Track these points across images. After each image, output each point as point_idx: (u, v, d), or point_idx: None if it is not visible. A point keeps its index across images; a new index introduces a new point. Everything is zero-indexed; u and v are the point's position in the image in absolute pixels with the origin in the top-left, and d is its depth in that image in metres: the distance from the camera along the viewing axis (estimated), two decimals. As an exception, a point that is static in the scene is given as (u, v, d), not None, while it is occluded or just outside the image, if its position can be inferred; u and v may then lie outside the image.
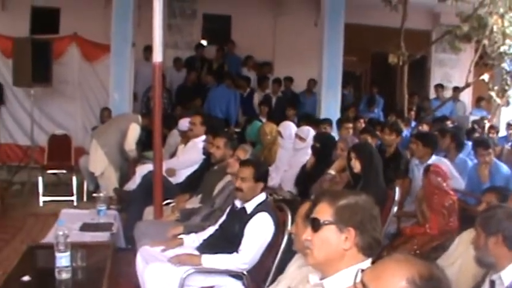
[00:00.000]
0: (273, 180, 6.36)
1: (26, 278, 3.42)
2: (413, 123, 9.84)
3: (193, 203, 5.24)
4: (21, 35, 8.86)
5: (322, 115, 9.29)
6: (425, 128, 8.72)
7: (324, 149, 5.86)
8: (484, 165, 5.69)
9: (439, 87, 11.99)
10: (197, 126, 6.61)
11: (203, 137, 6.40)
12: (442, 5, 9.48)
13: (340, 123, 7.69)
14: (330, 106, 9.50)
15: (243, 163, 4.13)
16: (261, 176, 3.93)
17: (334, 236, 2.09)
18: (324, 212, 2.12)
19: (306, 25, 11.64)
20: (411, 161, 6.07)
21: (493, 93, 9.52)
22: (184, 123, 7.11)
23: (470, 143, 7.14)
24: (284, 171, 6.43)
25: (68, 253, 3.43)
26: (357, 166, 4.73)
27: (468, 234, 3.64)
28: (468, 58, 10.59)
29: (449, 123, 8.96)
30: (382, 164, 4.88)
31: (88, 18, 10.21)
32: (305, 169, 5.96)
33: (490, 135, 8.94)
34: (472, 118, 10.40)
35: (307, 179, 5.75)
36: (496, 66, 9.59)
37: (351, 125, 7.36)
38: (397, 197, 4.53)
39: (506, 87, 9.53)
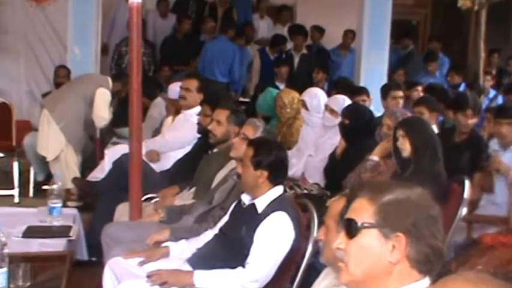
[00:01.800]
0: (294, 168, 6.36)
1: None
2: (491, 93, 9.83)
3: (184, 198, 5.28)
4: None
5: (363, 81, 9.32)
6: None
7: (356, 127, 5.87)
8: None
9: None
10: (192, 93, 6.66)
11: (198, 109, 6.44)
12: None
13: (386, 90, 7.66)
14: (375, 68, 9.50)
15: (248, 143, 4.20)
16: (266, 161, 3.93)
17: (376, 244, 2.09)
18: (363, 211, 2.12)
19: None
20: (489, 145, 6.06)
21: None
22: (174, 88, 7.16)
23: None
24: (309, 157, 6.44)
25: (5, 269, 3.45)
26: (406, 148, 4.76)
27: None
28: None
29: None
30: (452, 152, 4.91)
31: None
32: (334, 156, 5.99)
33: None
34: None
35: (338, 167, 5.77)
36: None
37: (400, 93, 7.28)
38: (466, 193, 4.56)
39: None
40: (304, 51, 10.94)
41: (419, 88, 8.40)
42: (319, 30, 11.43)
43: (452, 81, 9.79)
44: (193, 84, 6.72)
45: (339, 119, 6.19)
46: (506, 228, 4.99)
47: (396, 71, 10.32)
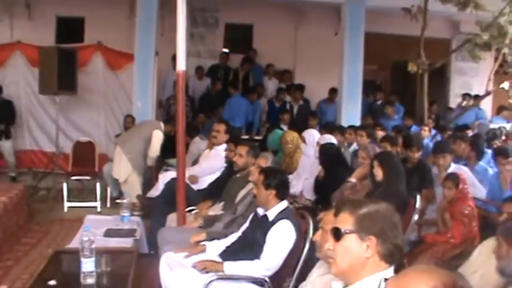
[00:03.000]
0: (294, 188, 6.35)
1: (52, 282, 3.46)
2: (433, 132, 9.78)
3: (216, 210, 5.26)
4: (46, 44, 8.99)
5: (343, 124, 9.27)
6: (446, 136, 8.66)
7: (328, 160, 5.88)
8: (505, 174, 5.64)
9: (467, 96, 11.74)
10: (221, 134, 6.66)
11: (225, 145, 6.44)
12: (462, 14, 9.38)
13: (355, 131, 7.67)
14: (351, 115, 9.51)
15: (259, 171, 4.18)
16: (273, 183, 3.90)
17: (355, 245, 2.10)
18: (345, 221, 2.13)
19: (327, 34, 11.63)
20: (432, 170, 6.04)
21: None
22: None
23: (490, 151, 7.10)
24: (305, 179, 6.42)
25: (93, 258, 3.47)
26: (379, 174, 4.75)
27: (489, 243, 3.62)
28: (488, 67, 10.53)
29: (469, 132, 8.90)
30: (406, 175, 4.89)
31: (112, 28, 10.35)
32: (318, 179, 5.98)
33: (510, 142, 8.83)
34: (493, 126, 10.28)
35: (323, 188, 5.76)
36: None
37: (363, 132, 7.28)
38: (418, 204, 4.54)
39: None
40: (301, 102, 10.96)
41: (379, 128, 8.40)
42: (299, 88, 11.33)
43: (406, 124, 9.79)
44: (222, 127, 6.72)
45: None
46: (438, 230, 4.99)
47: (366, 117, 10.36)
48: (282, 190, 3.97)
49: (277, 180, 3.93)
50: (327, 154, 5.93)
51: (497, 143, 7.91)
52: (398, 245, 2.12)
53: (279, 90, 11.04)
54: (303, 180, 6.45)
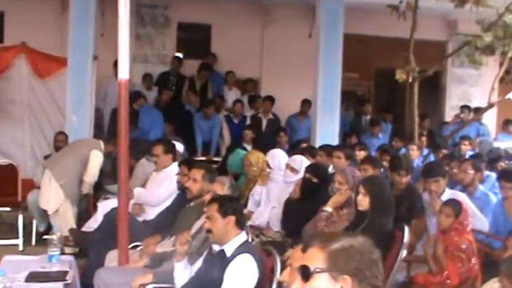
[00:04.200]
0: (260, 218, 6.40)
1: None
2: (425, 151, 9.94)
3: (166, 246, 5.23)
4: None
5: (318, 141, 9.37)
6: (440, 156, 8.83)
7: (320, 183, 5.94)
8: (510, 201, 5.74)
9: (466, 108, 12.00)
10: (161, 156, 6.73)
11: (174, 166, 6.48)
12: (460, 12, 9.46)
13: (329, 151, 7.70)
14: (327, 131, 9.58)
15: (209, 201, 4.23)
16: (231, 209, 3.99)
17: (327, 286, 2.11)
18: (315, 258, 2.15)
19: (299, 36, 11.78)
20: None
21: None
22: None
23: (493, 174, 7.27)
24: (273, 208, 6.46)
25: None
26: (364, 203, 4.79)
27: (493, 285, 3.67)
28: (491, 73, 10.74)
29: (465, 149, 9.11)
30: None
31: (40, 26, 10.28)
32: (289, 204, 6.01)
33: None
34: (497, 144, 10.48)
35: (295, 216, 5.81)
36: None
37: (340, 154, 7.34)
38: (406, 238, 4.60)
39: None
40: (271, 116, 11.05)
41: (359, 148, 8.53)
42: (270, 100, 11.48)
43: (396, 146, 9.98)
44: (159, 149, 6.75)
45: (298, 176, 6.25)
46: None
47: (350, 135, 10.49)
48: (241, 216, 4.07)
49: (234, 206, 4.04)
50: (322, 177, 5.99)
51: (502, 165, 8.04)
52: (378, 287, 2.14)
53: (236, 103, 11.19)
54: (270, 210, 6.49)
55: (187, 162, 6.21)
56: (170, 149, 6.86)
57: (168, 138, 9.08)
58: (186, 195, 5.55)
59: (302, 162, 6.52)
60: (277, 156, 6.90)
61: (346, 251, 2.13)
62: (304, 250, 2.24)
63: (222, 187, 4.84)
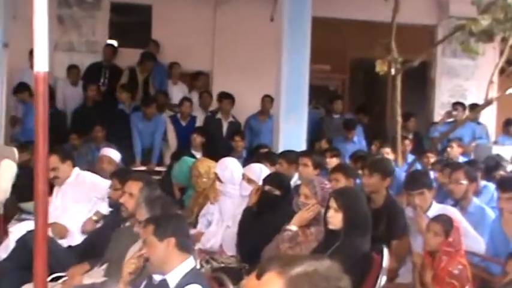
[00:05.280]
0: (211, 240, 6.39)
1: None
2: (410, 158, 10.05)
3: (95, 276, 5.19)
4: None
5: (282, 146, 9.40)
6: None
7: (283, 196, 5.97)
8: (508, 216, 5.80)
9: (459, 106, 12.16)
10: (60, 168, 6.72)
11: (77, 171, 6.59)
12: (451, -10, 9.64)
13: (294, 158, 7.71)
14: (292, 134, 9.61)
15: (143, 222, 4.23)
16: (170, 230, 3.98)
17: (286, 319, 2.13)
18: (272, 284, 2.16)
19: (259, 19, 11.77)
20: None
21: None
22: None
23: (491, 185, 7.36)
24: (227, 228, 6.47)
25: None
26: (335, 221, 4.81)
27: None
28: (490, 64, 10.83)
29: (454, 152, 9.26)
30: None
31: None
32: (245, 222, 6.04)
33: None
34: (497, 149, 10.56)
35: (252, 236, 5.83)
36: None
37: (307, 161, 7.39)
38: (385, 262, 4.65)
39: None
40: (231, 118, 11.08)
41: (329, 154, 8.59)
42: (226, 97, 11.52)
43: (375, 152, 10.08)
44: (55, 160, 6.70)
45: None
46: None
47: (320, 139, 10.57)
48: (184, 237, 4.06)
49: (174, 225, 4.03)
50: (285, 189, 6.03)
51: (501, 174, 8.09)
52: (348, 321, 2.17)
53: (183, 101, 11.22)
54: (223, 230, 6.49)
55: (119, 174, 6.17)
56: (66, 154, 6.93)
57: (98, 144, 9.09)
58: (121, 213, 5.51)
59: (261, 171, 6.53)
60: (228, 167, 6.86)
61: (309, 277, 2.14)
62: (259, 276, 2.24)
63: (137, 187, 4.84)
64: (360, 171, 7.09)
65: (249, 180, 6.49)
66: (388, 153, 9.26)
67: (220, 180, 6.76)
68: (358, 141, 11.34)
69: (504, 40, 9.61)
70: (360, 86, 14.39)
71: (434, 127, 12.15)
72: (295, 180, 7.52)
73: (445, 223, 5.02)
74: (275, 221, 5.64)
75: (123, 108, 11.12)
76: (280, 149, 9.04)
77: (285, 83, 9.77)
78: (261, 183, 6.23)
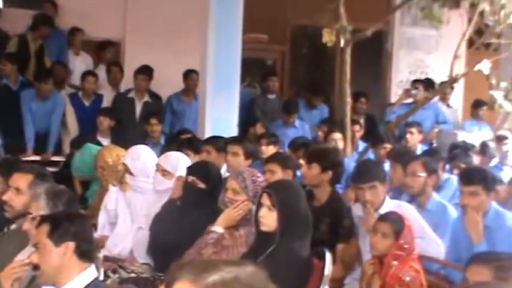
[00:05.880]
0: (119, 246, 6.35)
1: None
2: (361, 145, 10.13)
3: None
4: None
5: (209, 131, 9.41)
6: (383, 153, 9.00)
7: (209, 190, 5.96)
8: (472, 215, 5.87)
9: (420, 84, 12.11)
10: None
11: None
12: None
13: (222, 145, 7.68)
14: (222, 117, 9.62)
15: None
16: (68, 230, 3.93)
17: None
18: (184, 295, 2.16)
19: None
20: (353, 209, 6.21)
21: (497, 94, 9.67)
22: None
23: (454, 178, 7.44)
24: (139, 229, 6.44)
25: None
26: (269, 221, 4.79)
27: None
28: (456, 35, 10.92)
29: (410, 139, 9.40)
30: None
31: None
32: (160, 221, 6.03)
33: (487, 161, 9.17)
34: (463, 135, 10.68)
35: (169, 239, 5.80)
36: (504, 47, 9.87)
37: (238, 149, 7.38)
38: (327, 269, 4.68)
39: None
40: (147, 98, 11.00)
41: (265, 141, 8.63)
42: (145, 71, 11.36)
43: (321, 138, 10.17)
44: None
45: (172, 181, 6.24)
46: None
47: (255, 123, 10.59)
48: (87, 242, 4.00)
49: (74, 227, 3.96)
50: (213, 182, 6.00)
51: (459, 165, 8.14)
52: None
53: (86, 76, 11.07)
54: (134, 232, 6.46)
55: (2, 166, 6.06)
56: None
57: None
58: (4, 214, 5.44)
59: (178, 161, 6.51)
60: (141, 156, 6.84)
61: (227, 286, 2.15)
62: (168, 286, 2.24)
63: (26, 181, 4.80)
64: (301, 162, 7.12)
65: (164, 172, 6.45)
66: (338, 139, 9.37)
67: (130, 173, 6.71)
68: (300, 125, 11.36)
69: (473, 6, 9.75)
70: (303, 60, 14.39)
71: (391, 109, 12.23)
72: (223, 172, 7.49)
73: (395, 222, 5.07)
74: (198, 221, 5.64)
75: (7, 84, 10.88)
76: (207, 135, 9.01)
77: (213, 55, 9.73)
78: (178, 174, 6.22)
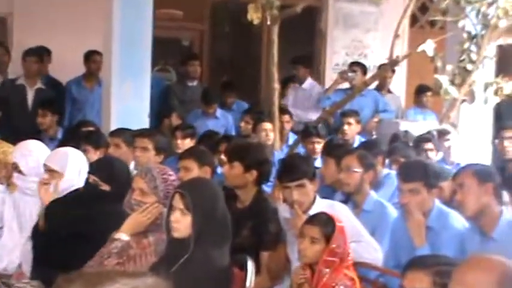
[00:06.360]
0: (5, 260, 6.31)
1: None
2: (291, 138, 10.19)
3: None
4: None
5: (115, 123, 9.46)
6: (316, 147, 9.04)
7: (114, 192, 5.95)
8: (416, 215, 5.95)
9: (358, 67, 12.14)
10: None
11: None
12: None
13: (130, 139, 7.75)
14: (129, 106, 9.60)
15: None
16: None
17: None
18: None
19: None
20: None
21: (443, 78, 9.78)
22: None
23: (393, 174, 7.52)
24: (28, 240, 6.38)
25: None
26: (182, 226, 4.81)
27: None
28: (398, 12, 10.99)
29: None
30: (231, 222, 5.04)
31: None
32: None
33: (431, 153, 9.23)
34: (406, 125, 10.77)
35: (60, 249, 5.77)
36: (450, 25, 10.03)
37: (147, 143, 7.42)
38: (249, 280, 4.73)
39: (470, 67, 9.73)
40: (40, 85, 10.89)
41: (179, 135, 8.66)
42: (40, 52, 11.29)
43: (245, 129, 10.28)
44: None
45: (63, 182, 6.21)
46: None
47: (170, 113, 10.59)
48: None
49: None
50: (121, 183, 5.96)
51: (398, 159, 8.20)
52: None
53: None
54: (22, 243, 6.39)
55: None
56: None
57: None
58: None
59: (67, 159, 6.46)
60: (32, 153, 6.80)
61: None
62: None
63: None
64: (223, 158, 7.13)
65: (51, 172, 6.40)
66: (269, 130, 9.47)
67: (19, 171, 6.66)
68: (222, 115, 11.36)
69: (415, -20, 9.82)
70: (225, 40, 14.41)
71: (325, 95, 12.27)
72: (132, 169, 7.48)
73: (324, 224, 5.12)
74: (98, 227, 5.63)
75: None
76: (113, 127, 9.01)
77: (118, 34, 9.78)
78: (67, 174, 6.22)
